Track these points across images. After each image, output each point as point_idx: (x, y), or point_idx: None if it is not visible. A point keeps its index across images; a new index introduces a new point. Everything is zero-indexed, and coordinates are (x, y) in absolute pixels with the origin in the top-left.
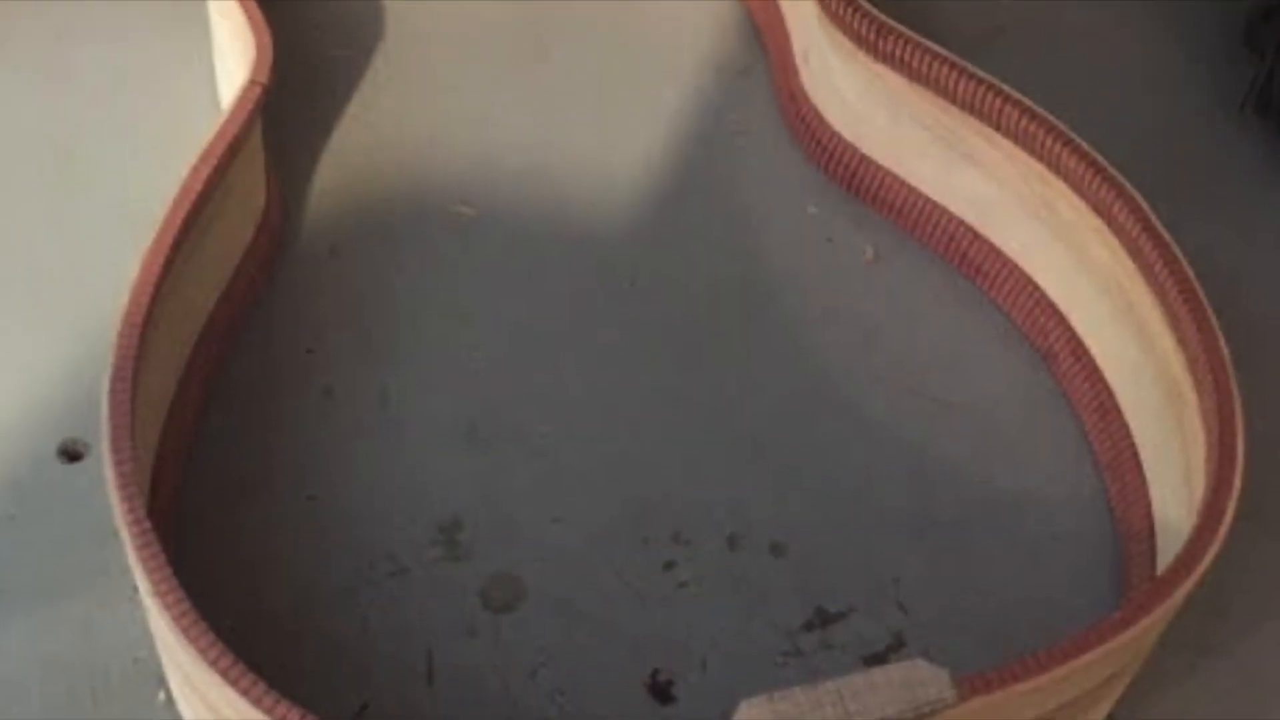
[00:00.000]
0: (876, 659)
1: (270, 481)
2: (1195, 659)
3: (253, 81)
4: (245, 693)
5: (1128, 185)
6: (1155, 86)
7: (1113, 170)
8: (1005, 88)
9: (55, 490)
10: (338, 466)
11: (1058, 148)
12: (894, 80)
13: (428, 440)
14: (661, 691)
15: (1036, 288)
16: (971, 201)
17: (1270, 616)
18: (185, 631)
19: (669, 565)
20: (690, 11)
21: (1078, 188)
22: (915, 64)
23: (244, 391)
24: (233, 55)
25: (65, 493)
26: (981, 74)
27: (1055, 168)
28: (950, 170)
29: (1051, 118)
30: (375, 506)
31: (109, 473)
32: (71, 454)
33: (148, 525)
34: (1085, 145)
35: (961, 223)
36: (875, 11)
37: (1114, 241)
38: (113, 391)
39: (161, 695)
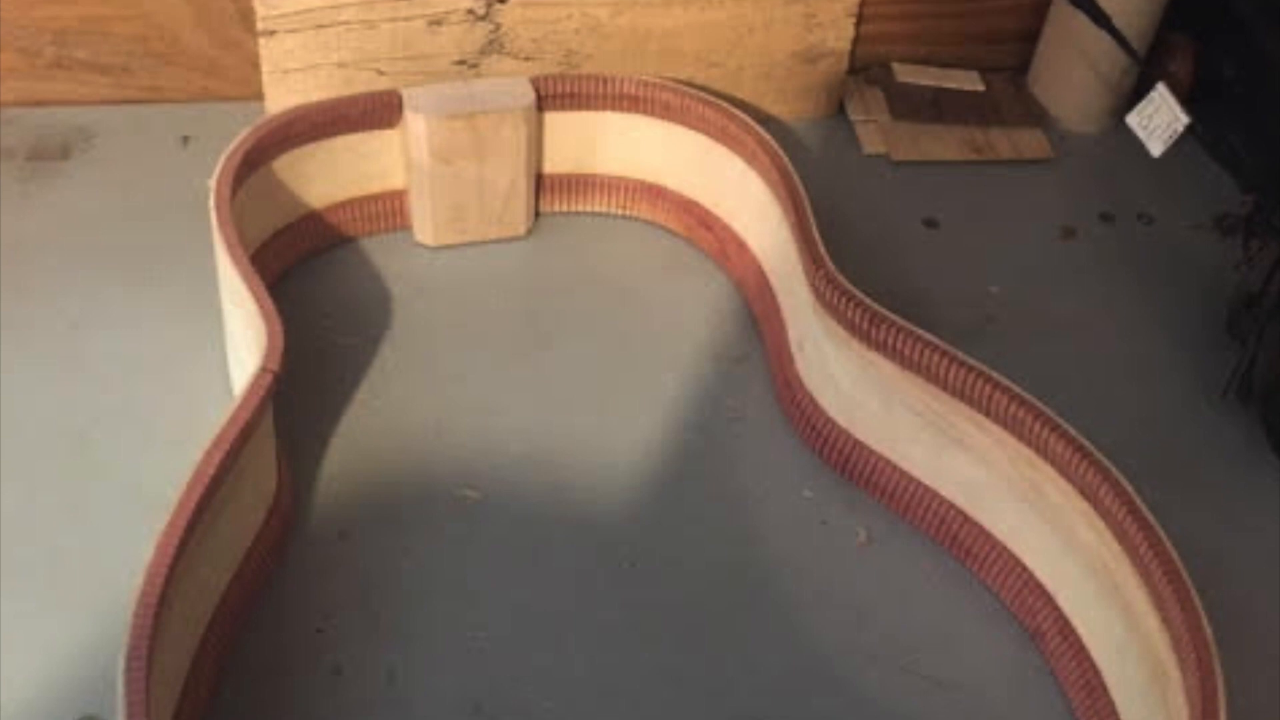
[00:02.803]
0: None
1: None
2: None
3: (264, 369)
4: None
5: (1114, 469)
6: (1140, 374)
7: (1099, 455)
8: (994, 375)
9: None
10: None
11: (1045, 433)
12: (887, 367)
13: (434, 718)
14: None
15: (1025, 569)
16: (962, 485)
17: None
18: None
19: None
20: (689, 301)
21: (1065, 472)
22: (907, 352)
23: (256, 670)
24: (244, 343)
25: None
26: (971, 361)
27: (1043, 452)
28: (941, 455)
29: (1039, 404)
30: None
31: None
32: None
33: None
34: (1072, 430)
35: (952, 506)
36: (868, 301)
37: (1100, 524)
38: (128, 670)
39: None
